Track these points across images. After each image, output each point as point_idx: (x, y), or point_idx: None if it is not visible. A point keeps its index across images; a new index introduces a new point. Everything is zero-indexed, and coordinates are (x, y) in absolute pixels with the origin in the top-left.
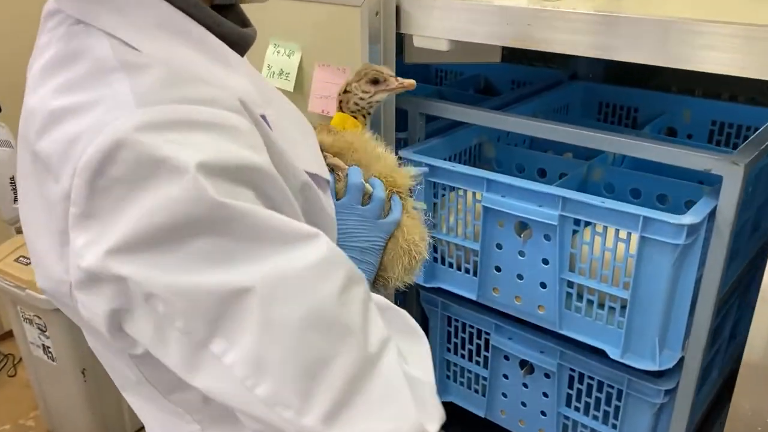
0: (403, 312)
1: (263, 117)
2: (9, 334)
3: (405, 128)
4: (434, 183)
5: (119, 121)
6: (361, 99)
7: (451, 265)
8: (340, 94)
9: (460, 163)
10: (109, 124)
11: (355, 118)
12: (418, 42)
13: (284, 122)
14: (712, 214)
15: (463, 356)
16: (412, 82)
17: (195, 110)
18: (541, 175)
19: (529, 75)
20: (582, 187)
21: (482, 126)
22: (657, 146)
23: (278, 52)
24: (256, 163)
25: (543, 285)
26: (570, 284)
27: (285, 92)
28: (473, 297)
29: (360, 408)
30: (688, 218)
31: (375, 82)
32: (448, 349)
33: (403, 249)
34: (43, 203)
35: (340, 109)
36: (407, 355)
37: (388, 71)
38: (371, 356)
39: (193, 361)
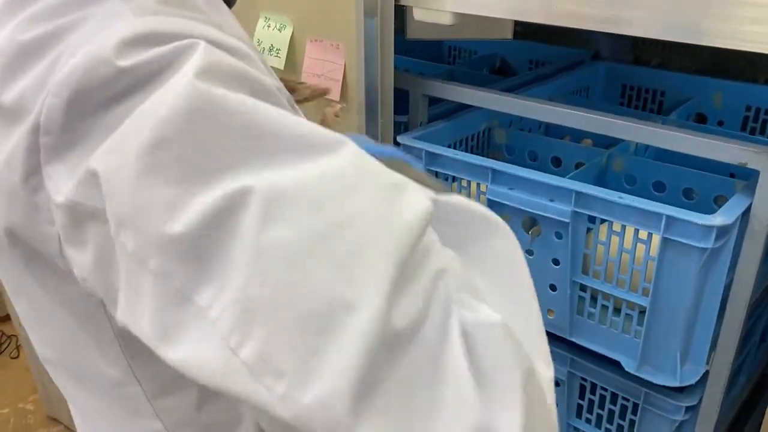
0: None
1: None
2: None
3: (407, 111)
4: (435, 172)
5: (112, 28)
6: None
7: None
8: None
9: (466, 150)
10: (100, 32)
11: None
12: (418, 15)
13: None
14: (745, 213)
15: None
16: (327, 87)
17: (203, 28)
18: (556, 164)
19: (548, 54)
20: (600, 179)
21: (492, 110)
22: (683, 135)
23: (269, 26)
24: (268, 84)
25: (553, 287)
26: (583, 288)
27: (276, 71)
28: None
29: (389, 393)
30: (718, 218)
31: (291, 91)
32: None
33: None
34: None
35: None
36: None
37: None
38: (417, 316)
39: (168, 318)
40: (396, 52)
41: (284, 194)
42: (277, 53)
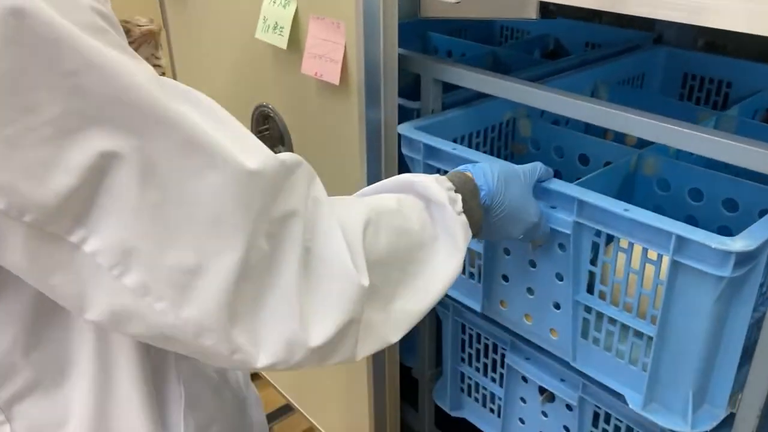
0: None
1: None
2: None
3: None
4: (437, 169)
5: None
6: None
7: None
8: None
9: (485, 143)
10: None
11: None
12: None
13: None
14: None
15: (477, 369)
16: (154, 27)
17: None
18: (584, 163)
19: (606, 35)
20: (629, 183)
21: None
22: (720, 141)
23: (274, 2)
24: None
25: (557, 306)
26: (588, 309)
27: (278, 50)
28: (477, 308)
29: (247, 303)
30: (739, 243)
31: None
32: (462, 360)
33: None
34: None
35: None
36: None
37: (137, 20)
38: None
39: (41, 253)
40: (442, 32)
41: (152, 160)
42: (281, 32)
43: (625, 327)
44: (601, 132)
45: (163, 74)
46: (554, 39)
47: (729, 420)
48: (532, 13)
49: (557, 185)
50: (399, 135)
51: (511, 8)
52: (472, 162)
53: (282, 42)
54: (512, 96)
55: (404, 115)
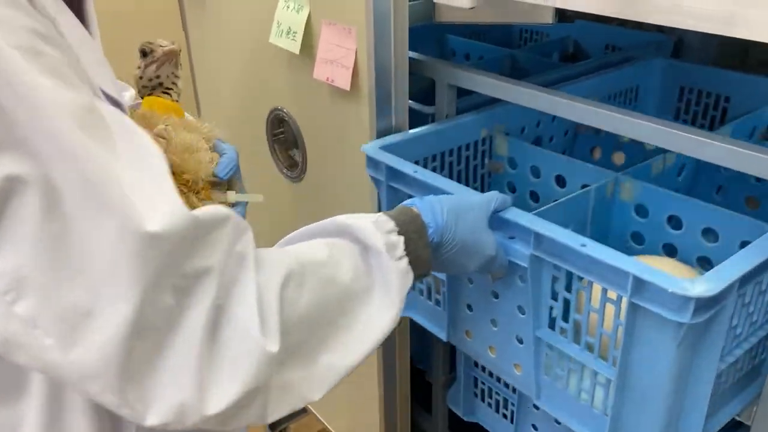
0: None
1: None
2: None
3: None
4: (396, 191)
5: None
6: (140, 78)
7: (421, 292)
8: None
9: (460, 161)
10: None
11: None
12: None
13: (81, 40)
14: (757, 272)
15: (491, 375)
16: (175, 47)
17: None
18: (561, 184)
19: (626, 38)
20: (605, 207)
21: (492, 115)
22: (737, 150)
23: (288, 7)
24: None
25: (520, 339)
26: (550, 345)
27: (291, 55)
28: (443, 336)
29: (141, 361)
30: (699, 287)
31: (143, 54)
32: (476, 364)
33: None
34: None
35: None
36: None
37: (160, 42)
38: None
39: None
40: (459, 34)
41: (57, 191)
42: (294, 36)
43: (587, 367)
44: (588, 151)
45: (178, 93)
46: (573, 41)
47: None
48: (548, 17)
49: (514, 215)
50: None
51: (527, 13)
52: (430, 185)
53: (295, 47)
54: (525, 101)
55: (419, 119)
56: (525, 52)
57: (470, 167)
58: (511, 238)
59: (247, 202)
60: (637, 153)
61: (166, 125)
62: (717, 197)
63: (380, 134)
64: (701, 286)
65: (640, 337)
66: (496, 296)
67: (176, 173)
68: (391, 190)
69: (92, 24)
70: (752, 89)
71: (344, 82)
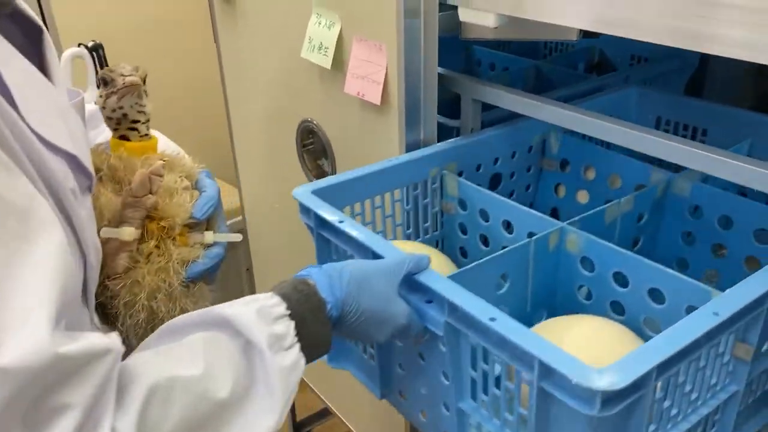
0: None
1: None
2: None
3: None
4: (327, 240)
5: None
6: (103, 108)
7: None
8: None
9: (408, 201)
10: None
11: (127, 136)
12: (463, 15)
13: (33, 89)
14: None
15: None
16: (136, 80)
17: None
18: (509, 230)
19: (652, 48)
20: (550, 259)
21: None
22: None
23: (319, 23)
24: None
25: (446, 407)
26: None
27: (322, 69)
28: (377, 394)
29: None
30: (605, 379)
31: (104, 83)
32: None
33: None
34: None
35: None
36: None
37: (121, 69)
38: None
39: None
40: (485, 45)
41: None
42: (326, 52)
43: None
44: (552, 188)
45: (147, 122)
46: (599, 51)
47: None
48: (573, 35)
49: (428, 279)
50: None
51: (552, 31)
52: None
53: (326, 62)
54: (549, 118)
55: (444, 132)
56: (550, 63)
57: (419, 206)
58: (428, 301)
59: (226, 242)
60: (601, 192)
61: (164, 161)
62: (684, 245)
63: (409, 146)
64: (608, 378)
65: (554, 424)
66: (423, 358)
67: (155, 218)
68: (321, 239)
69: (54, 72)
70: (731, 121)
71: (375, 96)
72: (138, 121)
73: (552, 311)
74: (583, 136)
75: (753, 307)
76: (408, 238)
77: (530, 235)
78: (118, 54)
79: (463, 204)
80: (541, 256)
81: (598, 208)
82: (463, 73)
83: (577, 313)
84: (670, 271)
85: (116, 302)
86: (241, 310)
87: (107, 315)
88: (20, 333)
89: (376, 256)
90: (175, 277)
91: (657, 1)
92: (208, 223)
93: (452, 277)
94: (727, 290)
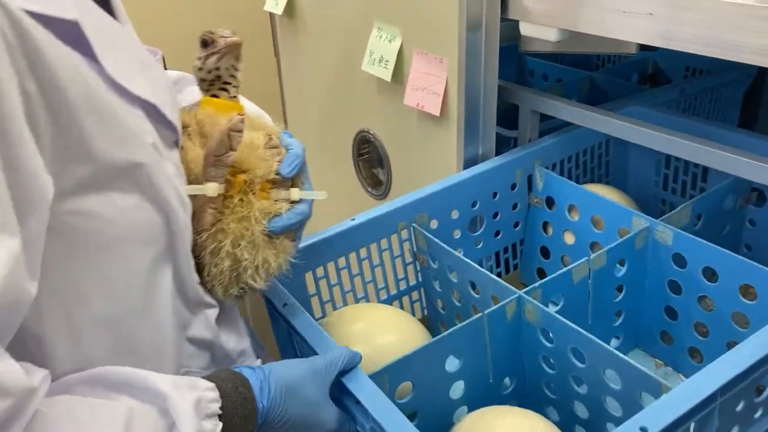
0: None
1: (73, 22)
2: None
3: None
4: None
5: None
6: (199, 70)
7: None
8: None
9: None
10: None
11: (217, 96)
12: (525, 30)
13: (112, 42)
14: None
15: None
16: (237, 39)
17: None
18: (476, 291)
19: (707, 60)
20: (511, 329)
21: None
22: None
23: (380, 37)
24: None
25: None
26: None
27: (381, 82)
28: None
29: None
30: None
31: (204, 45)
32: None
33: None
34: None
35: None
36: None
37: (221, 32)
38: None
39: None
40: (539, 56)
41: None
42: (386, 65)
43: None
44: (540, 226)
45: (237, 86)
46: (653, 62)
47: None
48: (632, 48)
49: (351, 381)
50: None
51: (611, 45)
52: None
53: (386, 74)
54: (604, 128)
55: (501, 143)
56: (603, 74)
57: (395, 256)
58: (357, 403)
59: (312, 200)
60: (586, 234)
61: (242, 116)
62: (671, 293)
63: (467, 160)
64: None
65: None
66: None
67: (236, 171)
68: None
69: (125, 23)
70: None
71: (434, 108)
72: (229, 83)
73: (521, 378)
74: (569, 176)
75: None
76: (388, 293)
77: (493, 297)
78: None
79: (432, 258)
80: (497, 329)
81: (564, 269)
82: (517, 83)
83: (544, 381)
84: (624, 358)
85: (203, 253)
86: (182, 395)
87: (197, 266)
88: None
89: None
90: (257, 226)
91: (716, 15)
92: (293, 180)
93: (398, 362)
94: (677, 387)
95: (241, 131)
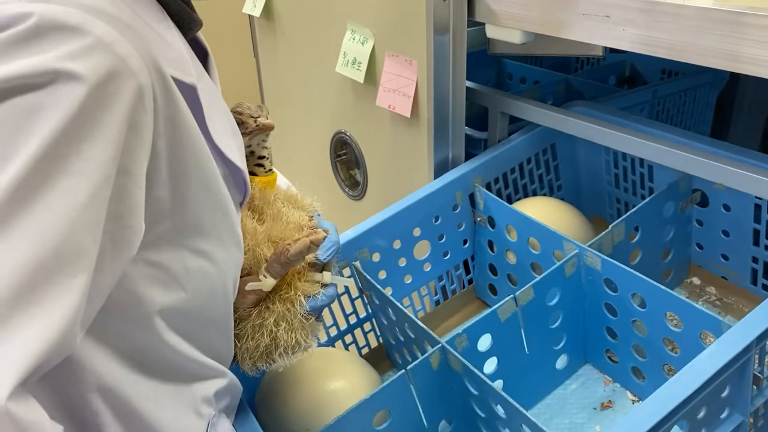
0: None
1: (193, 87)
2: None
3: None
4: None
5: None
6: None
7: None
8: None
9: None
10: None
11: (255, 174)
12: (490, 32)
13: (215, 107)
14: None
15: None
16: (270, 123)
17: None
18: None
19: (685, 65)
20: (442, 379)
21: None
22: None
23: (353, 39)
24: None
25: None
26: None
27: (355, 83)
28: None
29: None
30: None
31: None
32: None
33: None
34: None
35: None
36: None
37: (248, 110)
38: None
39: None
40: (516, 59)
41: None
42: (359, 66)
43: None
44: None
45: (270, 157)
46: (630, 65)
47: None
48: (598, 50)
49: None
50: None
51: (578, 47)
52: None
53: (359, 76)
54: (575, 131)
55: (471, 144)
56: (580, 76)
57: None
58: None
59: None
60: (525, 254)
61: (325, 234)
62: (609, 315)
63: (437, 158)
64: None
65: None
66: None
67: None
68: None
69: (214, 74)
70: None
71: (405, 109)
72: (264, 157)
73: (459, 419)
74: (515, 187)
75: None
76: (338, 328)
77: (424, 342)
78: None
79: (374, 294)
80: (424, 380)
81: (488, 310)
82: (495, 86)
83: (480, 422)
84: (531, 418)
85: (244, 324)
86: None
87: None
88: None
89: None
90: (299, 308)
91: (676, 19)
92: (325, 264)
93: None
94: None
95: (318, 245)
